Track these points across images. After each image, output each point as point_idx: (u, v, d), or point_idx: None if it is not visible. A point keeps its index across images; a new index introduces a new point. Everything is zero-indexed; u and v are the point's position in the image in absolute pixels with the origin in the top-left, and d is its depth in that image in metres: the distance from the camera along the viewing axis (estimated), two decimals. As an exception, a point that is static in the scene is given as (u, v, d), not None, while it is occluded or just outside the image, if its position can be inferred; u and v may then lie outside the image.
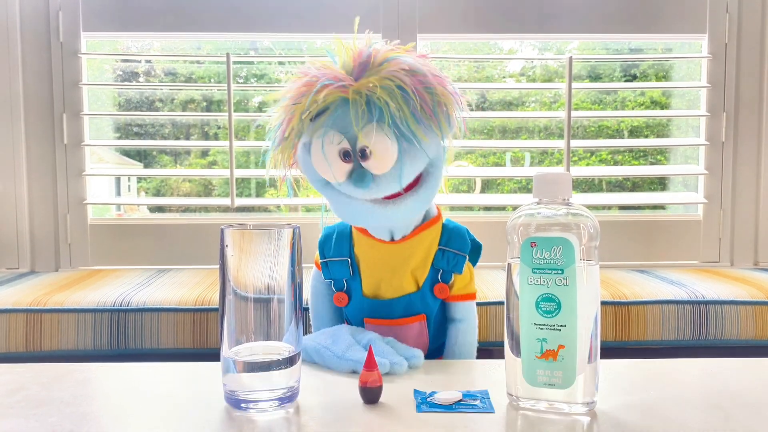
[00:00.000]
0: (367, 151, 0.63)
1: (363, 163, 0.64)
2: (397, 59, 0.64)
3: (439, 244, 0.71)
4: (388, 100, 0.62)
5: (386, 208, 0.66)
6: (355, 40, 0.67)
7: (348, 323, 0.75)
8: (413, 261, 0.70)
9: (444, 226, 0.73)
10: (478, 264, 0.77)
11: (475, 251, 0.75)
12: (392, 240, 0.70)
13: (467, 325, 0.74)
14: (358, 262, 0.72)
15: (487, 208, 1.32)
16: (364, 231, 0.72)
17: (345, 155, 0.64)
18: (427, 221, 0.71)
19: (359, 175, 0.64)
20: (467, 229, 0.74)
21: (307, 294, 0.93)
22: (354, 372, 0.61)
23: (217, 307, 0.86)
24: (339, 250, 0.73)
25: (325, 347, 0.64)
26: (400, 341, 0.69)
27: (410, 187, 0.67)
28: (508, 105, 1.34)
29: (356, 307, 0.72)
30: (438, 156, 0.68)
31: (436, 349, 0.75)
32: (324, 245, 0.74)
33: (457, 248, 0.71)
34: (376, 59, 0.64)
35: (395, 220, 0.68)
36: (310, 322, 0.79)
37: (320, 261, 0.74)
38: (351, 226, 0.73)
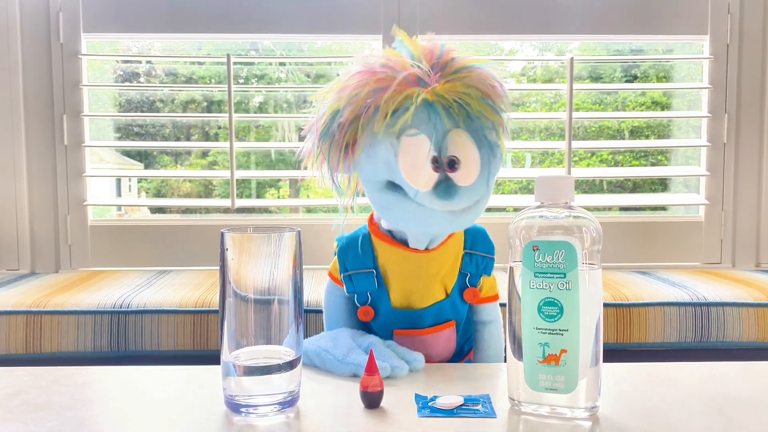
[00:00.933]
0: (457, 161, 0.61)
1: (450, 174, 0.61)
2: (479, 69, 0.62)
3: (465, 248, 0.70)
4: (480, 108, 0.61)
5: (455, 218, 0.63)
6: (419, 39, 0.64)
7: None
8: (444, 269, 0.69)
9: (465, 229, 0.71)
10: None
11: None
12: (426, 249, 0.68)
13: (497, 327, 0.73)
14: (384, 273, 0.69)
15: (488, 209, 1.31)
16: (389, 239, 0.68)
17: (433, 163, 0.61)
18: None
19: (446, 188, 0.61)
20: (485, 228, 0.73)
21: (308, 297, 0.93)
22: (355, 376, 0.61)
23: (218, 309, 0.86)
24: (363, 261, 0.69)
25: (325, 351, 0.63)
26: (430, 349, 0.68)
27: None
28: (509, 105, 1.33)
29: (385, 319, 0.69)
30: (498, 169, 0.67)
31: (458, 352, 0.73)
32: (345, 258, 0.70)
33: (484, 251, 0.70)
34: (453, 64, 0.62)
35: (458, 228, 0.66)
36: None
37: (342, 275, 0.70)
38: (370, 235, 0.70)
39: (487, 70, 0.63)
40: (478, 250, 0.70)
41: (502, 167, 0.68)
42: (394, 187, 0.63)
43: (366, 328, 0.71)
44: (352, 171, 0.65)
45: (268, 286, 0.52)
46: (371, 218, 0.71)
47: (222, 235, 0.51)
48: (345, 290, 0.70)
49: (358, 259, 0.69)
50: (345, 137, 0.62)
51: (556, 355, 0.50)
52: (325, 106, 0.64)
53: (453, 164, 0.61)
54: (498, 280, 0.86)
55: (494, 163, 0.64)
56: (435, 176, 0.61)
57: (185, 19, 1.23)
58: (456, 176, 0.61)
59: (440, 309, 0.69)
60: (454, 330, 0.71)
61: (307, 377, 0.60)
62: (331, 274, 0.73)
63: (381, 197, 0.64)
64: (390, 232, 0.69)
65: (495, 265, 0.72)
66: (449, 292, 0.70)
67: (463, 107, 0.61)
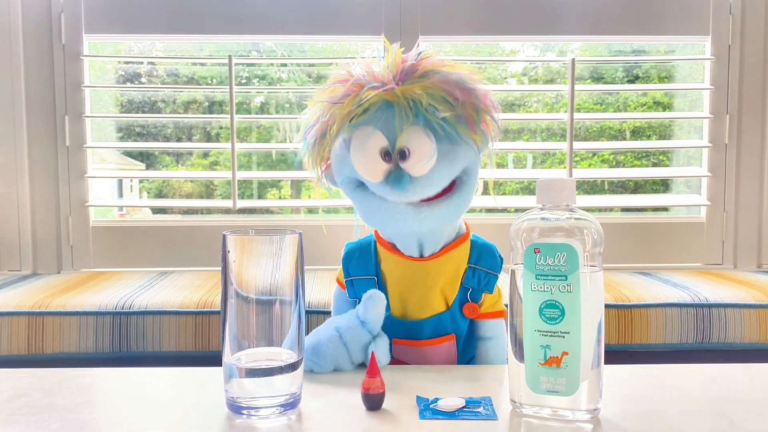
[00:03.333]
0: (407, 151, 0.62)
1: (402, 164, 0.63)
2: (444, 73, 0.64)
3: (469, 262, 0.69)
4: (434, 104, 0.62)
5: (420, 212, 0.64)
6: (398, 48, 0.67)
7: None
8: (442, 279, 0.69)
9: (473, 242, 0.71)
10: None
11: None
12: (421, 256, 0.69)
13: (497, 343, 0.71)
14: (384, 281, 0.70)
15: (489, 210, 1.32)
16: (390, 247, 0.70)
17: (385, 155, 0.63)
18: (457, 239, 0.70)
19: (397, 176, 0.63)
20: (495, 245, 0.72)
21: (309, 298, 0.93)
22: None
23: (219, 310, 0.86)
24: (364, 267, 0.70)
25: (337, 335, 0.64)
26: (430, 361, 0.68)
27: (444, 193, 0.66)
28: (510, 106, 1.34)
29: (384, 327, 0.68)
30: (473, 164, 0.67)
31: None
32: (348, 263, 0.72)
33: (488, 267, 0.69)
34: (421, 69, 0.64)
35: (428, 225, 0.66)
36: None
37: (344, 280, 0.72)
38: (375, 242, 0.71)
39: (450, 73, 0.65)
40: (482, 265, 0.69)
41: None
42: (362, 185, 0.66)
43: None
44: (332, 177, 0.70)
45: (270, 288, 0.52)
46: None
47: (224, 237, 0.51)
48: (347, 295, 0.71)
49: (361, 265, 0.71)
50: (321, 149, 0.67)
51: (557, 357, 0.50)
52: (308, 116, 0.69)
53: (403, 155, 0.63)
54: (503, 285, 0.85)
55: (451, 155, 0.64)
56: (385, 167, 0.63)
57: (187, 20, 1.23)
58: (406, 166, 0.63)
59: (439, 321, 0.69)
60: (455, 344, 0.70)
61: (308, 379, 0.60)
62: (337, 280, 0.74)
63: (353, 197, 0.68)
64: (391, 239, 0.70)
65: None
66: (450, 304, 0.69)
67: (416, 105, 0.63)
